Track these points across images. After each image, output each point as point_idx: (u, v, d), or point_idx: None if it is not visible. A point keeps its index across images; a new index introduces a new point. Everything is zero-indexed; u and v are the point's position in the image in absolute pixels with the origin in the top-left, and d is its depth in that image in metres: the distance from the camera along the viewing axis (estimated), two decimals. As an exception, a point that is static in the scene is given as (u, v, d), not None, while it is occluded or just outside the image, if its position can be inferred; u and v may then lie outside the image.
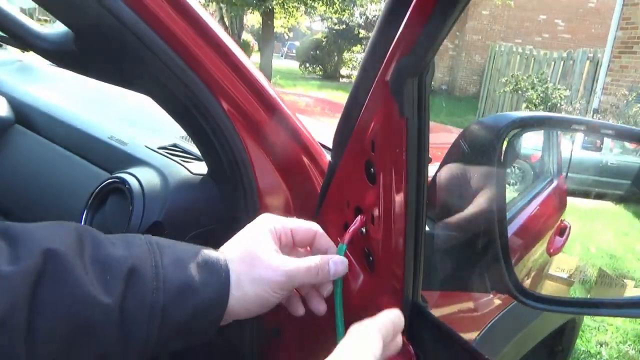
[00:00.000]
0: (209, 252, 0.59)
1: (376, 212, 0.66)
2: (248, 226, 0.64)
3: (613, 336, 3.32)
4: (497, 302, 1.20)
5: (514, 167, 1.20)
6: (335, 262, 0.64)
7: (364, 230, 0.69)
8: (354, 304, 0.71)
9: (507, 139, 0.68)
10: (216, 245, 0.94)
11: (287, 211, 0.92)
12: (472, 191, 0.70)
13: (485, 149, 0.66)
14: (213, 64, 0.80)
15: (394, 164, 0.60)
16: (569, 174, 1.35)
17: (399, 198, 0.61)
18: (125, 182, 0.89)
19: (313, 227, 0.67)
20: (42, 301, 0.45)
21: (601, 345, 3.23)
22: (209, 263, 0.57)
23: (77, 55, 0.78)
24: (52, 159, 1.11)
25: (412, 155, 0.58)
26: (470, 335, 1.15)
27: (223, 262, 0.58)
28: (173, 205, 0.87)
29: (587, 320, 2.70)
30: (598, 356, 3.11)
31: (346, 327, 0.56)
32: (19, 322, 0.43)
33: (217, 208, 0.91)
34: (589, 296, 1.15)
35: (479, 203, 0.68)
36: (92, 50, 0.78)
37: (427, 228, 0.72)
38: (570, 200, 1.33)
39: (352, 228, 0.68)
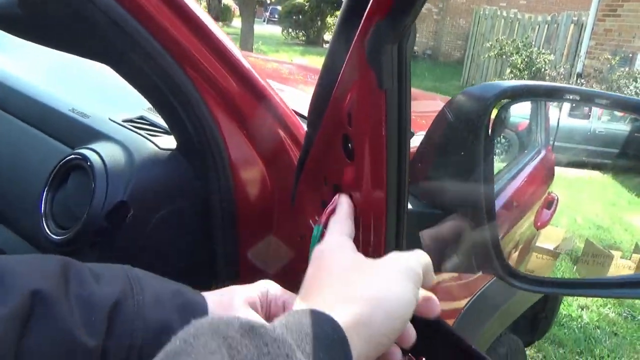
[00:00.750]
0: (188, 294, 0.58)
1: (355, 191, 0.61)
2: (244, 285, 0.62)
3: (594, 300, 3.37)
4: (484, 272, 1.18)
5: (500, 137, 1.15)
6: None
7: (342, 209, 0.63)
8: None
9: (496, 109, 0.63)
10: (185, 226, 0.90)
11: (264, 185, 0.87)
12: (458, 166, 0.65)
13: (473, 121, 0.61)
14: (178, 30, 0.74)
15: (372, 140, 0.55)
16: (556, 143, 1.31)
17: (378, 176, 0.56)
18: (87, 159, 0.83)
19: None
20: (29, 345, 0.45)
21: (582, 309, 3.28)
22: (188, 305, 0.56)
23: (23, 19, 0.70)
24: (9, 133, 1.04)
25: (392, 129, 0.52)
26: (457, 304, 1.13)
27: (203, 305, 0.57)
28: (139, 183, 0.82)
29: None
30: (579, 319, 3.16)
31: None
32: None
33: (187, 185, 0.86)
34: (574, 269, 1.13)
35: (465, 179, 0.63)
36: (40, 15, 0.71)
37: (410, 206, 0.67)
38: (557, 169, 1.30)
39: (328, 208, 0.63)
